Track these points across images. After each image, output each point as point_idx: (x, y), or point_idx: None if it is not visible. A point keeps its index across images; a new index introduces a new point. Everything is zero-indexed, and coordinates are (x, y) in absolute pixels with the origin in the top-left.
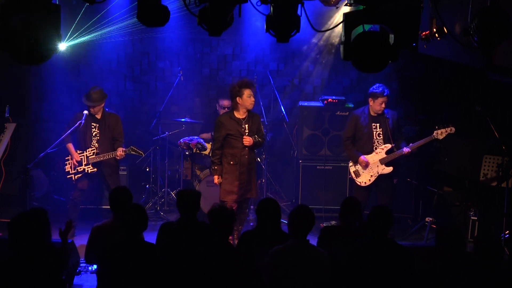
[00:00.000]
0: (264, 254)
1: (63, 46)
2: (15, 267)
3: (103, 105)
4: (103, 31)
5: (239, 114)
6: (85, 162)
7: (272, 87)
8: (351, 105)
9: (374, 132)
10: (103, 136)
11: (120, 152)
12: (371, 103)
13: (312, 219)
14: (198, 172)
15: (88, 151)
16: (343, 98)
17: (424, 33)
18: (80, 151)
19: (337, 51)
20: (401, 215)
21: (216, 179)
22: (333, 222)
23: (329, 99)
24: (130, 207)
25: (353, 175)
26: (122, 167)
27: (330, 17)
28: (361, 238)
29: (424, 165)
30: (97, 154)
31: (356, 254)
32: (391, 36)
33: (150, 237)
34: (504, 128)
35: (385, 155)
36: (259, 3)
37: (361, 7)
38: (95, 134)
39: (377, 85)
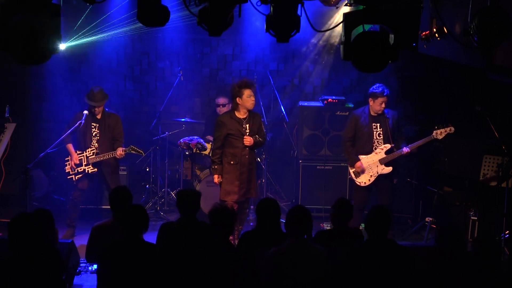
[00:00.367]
0: (263, 253)
1: (63, 46)
2: (15, 267)
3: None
4: (103, 31)
5: (240, 114)
6: (85, 162)
7: (272, 87)
8: (351, 105)
9: (374, 132)
10: (103, 136)
11: (120, 151)
12: (371, 103)
13: (309, 219)
14: (198, 172)
15: (88, 151)
16: (343, 98)
17: (424, 33)
18: (80, 151)
19: (337, 51)
20: (401, 215)
21: (216, 178)
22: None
23: (329, 99)
24: (131, 207)
25: (353, 175)
26: (122, 167)
27: (330, 17)
28: (356, 240)
29: (424, 165)
30: (97, 154)
31: (356, 254)
32: (391, 36)
33: (150, 237)
34: (504, 128)
35: (384, 155)
36: (259, 3)
37: (361, 7)
38: (95, 134)
39: (377, 85)
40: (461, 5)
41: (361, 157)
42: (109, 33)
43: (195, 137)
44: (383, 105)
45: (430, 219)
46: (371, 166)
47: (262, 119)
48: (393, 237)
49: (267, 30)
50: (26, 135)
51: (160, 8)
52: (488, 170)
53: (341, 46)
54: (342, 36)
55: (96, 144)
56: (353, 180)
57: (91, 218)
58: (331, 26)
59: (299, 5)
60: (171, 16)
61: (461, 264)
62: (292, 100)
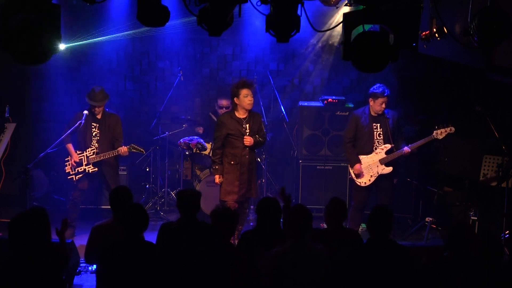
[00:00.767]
0: (263, 254)
1: (63, 46)
2: (15, 267)
3: None
4: (103, 31)
5: (240, 114)
6: (85, 162)
7: (272, 87)
8: (351, 105)
9: (375, 132)
10: (103, 136)
11: (124, 148)
12: (371, 103)
13: (310, 218)
14: (198, 172)
15: (88, 151)
16: (343, 98)
17: (424, 33)
18: (80, 151)
19: (337, 51)
20: (401, 215)
21: (217, 178)
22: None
23: (329, 99)
24: (130, 207)
25: (353, 175)
26: (122, 167)
27: (330, 17)
28: (352, 240)
29: (424, 165)
30: (97, 154)
31: (357, 254)
32: (391, 36)
33: (150, 237)
34: (504, 128)
35: (385, 155)
36: (259, 3)
37: (361, 7)
38: (95, 134)
39: (378, 85)
40: (461, 5)
41: (361, 157)
42: (109, 34)
43: (195, 137)
44: (384, 105)
45: (430, 219)
46: (371, 166)
47: (262, 119)
48: (393, 237)
49: (267, 30)
50: (26, 135)
51: (160, 8)
52: (488, 170)
53: (341, 46)
54: (342, 36)
55: (96, 144)
56: (353, 180)
57: (91, 218)
58: (331, 26)
59: (299, 5)
60: (171, 16)
61: (461, 264)
62: (292, 100)
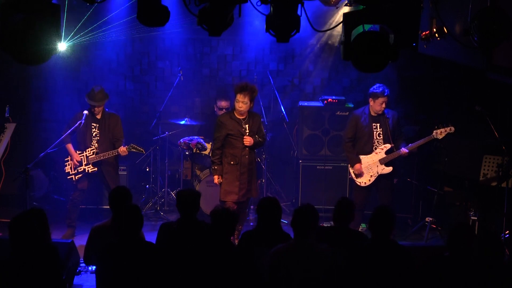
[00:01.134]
0: (263, 253)
1: (63, 46)
2: (15, 267)
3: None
4: (103, 31)
5: (239, 115)
6: (85, 162)
7: (272, 87)
8: (351, 105)
9: (375, 132)
10: (103, 136)
11: (123, 148)
12: (371, 103)
13: (316, 218)
14: (198, 172)
15: (88, 151)
16: (343, 98)
17: (424, 33)
18: (80, 151)
19: (337, 51)
20: (401, 215)
21: (216, 179)
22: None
23: (329, 99)
24: (124, 207)
25: (353, 175)
26: (122, 167)
27: (330, 17)
28: (355, 240)
29: (424, 165)
30: (96, 154)
31: (358, 254)
32: (391, 36)
33: (150, 237)
34: (504, 128)
35: (384, 155)
36: (259, 3)
37: (361, 7)
38: (95, 134)
39: (377, 85)
40: (461, 5)
41: (361, 157)
42: (109, 34)
43: (195, 137)
44: (384, 105)
45: (430, 219)
46: (371, 166)
47: (262, 119)
48: (393, 237)
49: (267, 30)
50: (26, 135)
51: (160, 8)
52: (488, 170)
53: (341, 46)
54: (342, 36)
55: (96, 144)
56: (353, 180)
57: (91, 218)
58: (331, 26)
59: (299, 5)
60: (171, 16)
61: (462, 265)
62: (292, 100)
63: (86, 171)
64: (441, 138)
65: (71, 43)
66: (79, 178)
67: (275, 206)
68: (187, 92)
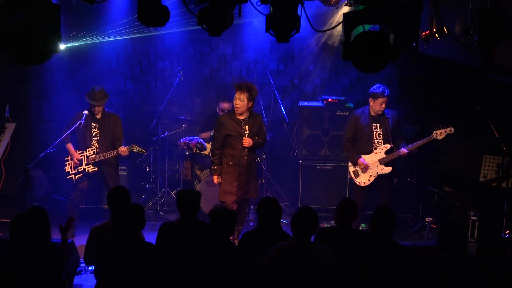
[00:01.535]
0: (263, 253)
1: (63, 46)
2: (15, 267)
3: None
4: (103, 31)
5: (239, 115)
6: (85, 162)
7: (272, 87)
8: (351, 105)
9: (374, 132)
10: (103, 136)
11: (124, 148)
12: (371, 103)
13: (316, 221)
14: (198, 172)
15: (88, 150)
16: (343, 98)
17: (424, 33)
18: (80, 151)
19: (337, 51)
20: (401, 215)
21: (215, 179)
22: (333, 222)
23: (329, 99)
24: (124, 207)
25: (353, 175)
26: (122, 167)
27: (330, 17)
28: (358, 240)
29: (424, 165)
30: (97, 153)
31: (358, 254)
32: (391, 36)
33: (150, 237)
34: (504, 128)
35: (384, 155)
36: (259, 3)
37: (361, 7)
38: (95, 134)
39: (378, 85)
40: (461, 5)
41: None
42: (109, 34)
43: (195, 137)
44: (384, 105)
45: (430, 219)
46: (371, 166)
47: (262, 120)
48: (394, 237)
49: (267, 30)
50: (26, 135)
51: (160, 8)
52: (488, 170)
53: (341, 46)
54: (342, 36)
55: (96, 144)
56: (353, 180)
57: (91, 218)
58: (331, 26)
59: (299, 5)
60: (171, 16)
61: (462, 264)
62: (292, 100)
63: (86, 171)
64: (441, 139)
65: (71, 43)
66: (79, 178)
67: (275, 206)
68: (187, 92)
